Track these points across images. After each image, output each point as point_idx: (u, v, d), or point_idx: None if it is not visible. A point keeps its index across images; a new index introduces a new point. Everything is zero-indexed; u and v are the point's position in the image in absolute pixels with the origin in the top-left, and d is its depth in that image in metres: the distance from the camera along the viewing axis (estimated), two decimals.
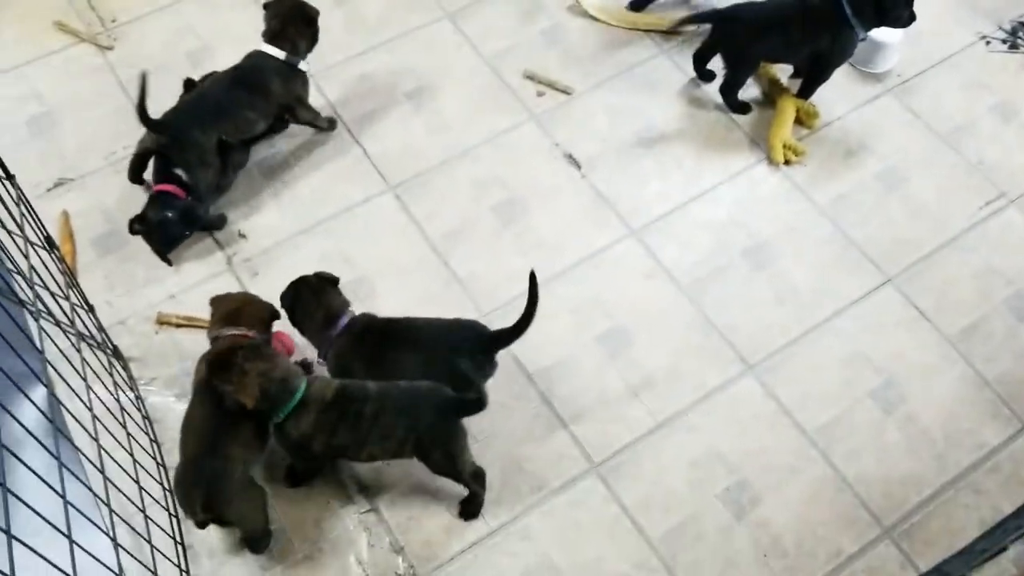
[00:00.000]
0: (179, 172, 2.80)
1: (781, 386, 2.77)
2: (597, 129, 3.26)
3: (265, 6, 2.98)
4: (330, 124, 3.20)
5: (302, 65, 2.98)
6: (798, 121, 3.26)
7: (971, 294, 2.97)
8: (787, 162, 3.20)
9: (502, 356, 2.50)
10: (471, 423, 2.37)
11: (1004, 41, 3.51)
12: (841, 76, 3.32)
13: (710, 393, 2.75)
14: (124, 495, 2.12)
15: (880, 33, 3.32)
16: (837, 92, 3.36)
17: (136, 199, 2.91)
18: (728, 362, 2.81)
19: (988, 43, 3.51)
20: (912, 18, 3.01)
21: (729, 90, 3.25)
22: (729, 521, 2.54)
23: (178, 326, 2.77)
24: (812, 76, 3.23)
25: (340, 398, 2.26)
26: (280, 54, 2.92)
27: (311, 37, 3.00)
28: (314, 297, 2.48)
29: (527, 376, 2.73)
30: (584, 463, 2.61)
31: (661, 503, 2.56)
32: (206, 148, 2.81)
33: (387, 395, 2.28)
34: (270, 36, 2.94)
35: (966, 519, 2.58)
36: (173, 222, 2.79)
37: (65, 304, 2.26)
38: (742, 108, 3.30)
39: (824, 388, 2.78)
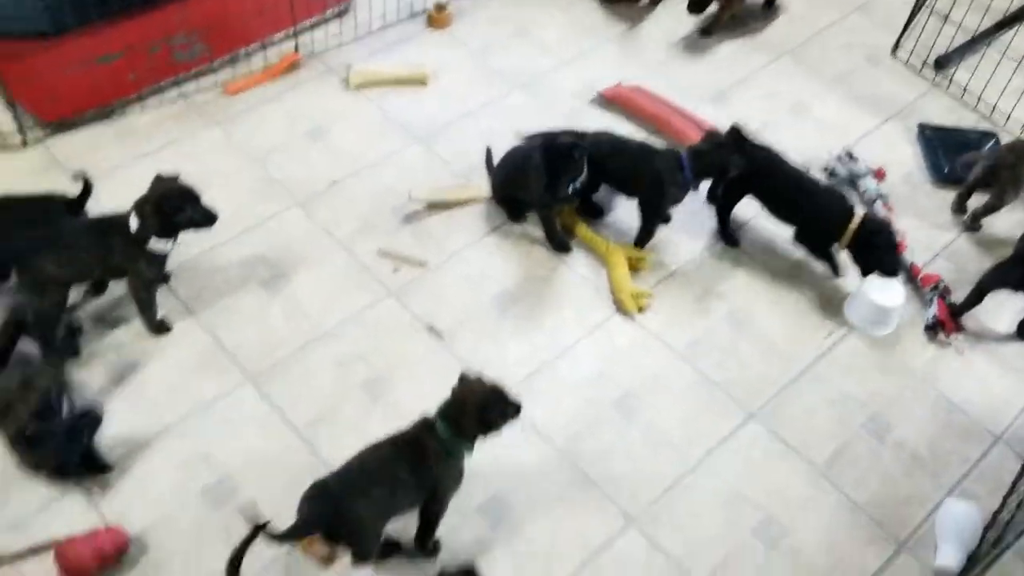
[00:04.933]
0: None
1: (665, 536, 2.74)
2: (455, 299, 3.29)
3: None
4: (160, 327, 3.10)
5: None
6: (631, 267, 3.39)
7: (830, 422, 3.08)
8: (641, 309, 3.31)
9: None
10: None
11: None
12: (672, 230, 3.55)
13: (597, 552, 2.69)
14: None
15: None
16: (680, 238, 3.56)
17: None
18: (611, 516, 2.77)
19: None
20: None
21: None
22: None
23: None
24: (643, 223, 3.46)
25: None
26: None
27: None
28: None
29: None
30: None
31: None
32: None
33: None
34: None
35: None
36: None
37: None
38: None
39: (708, 531, 2.77)
